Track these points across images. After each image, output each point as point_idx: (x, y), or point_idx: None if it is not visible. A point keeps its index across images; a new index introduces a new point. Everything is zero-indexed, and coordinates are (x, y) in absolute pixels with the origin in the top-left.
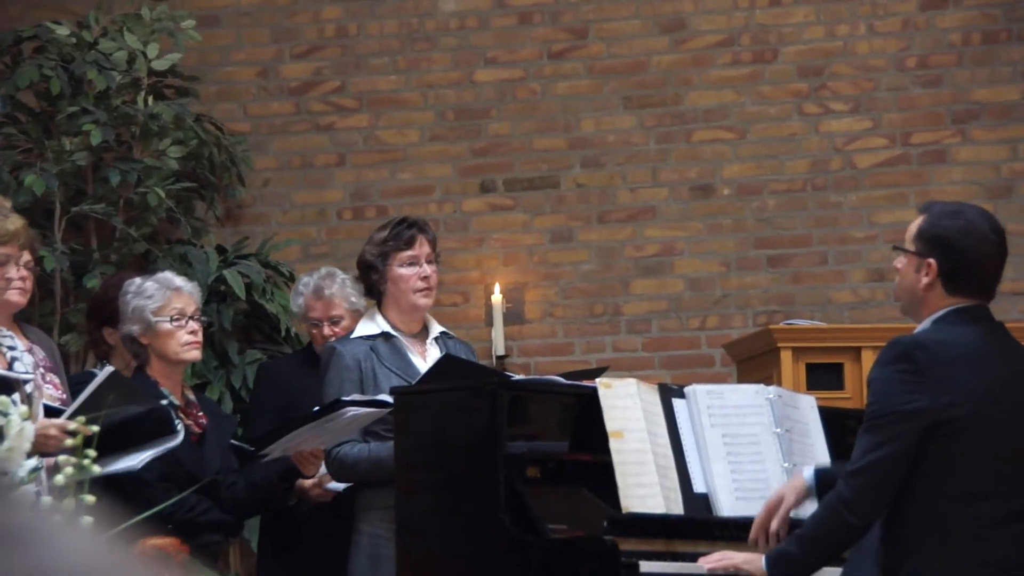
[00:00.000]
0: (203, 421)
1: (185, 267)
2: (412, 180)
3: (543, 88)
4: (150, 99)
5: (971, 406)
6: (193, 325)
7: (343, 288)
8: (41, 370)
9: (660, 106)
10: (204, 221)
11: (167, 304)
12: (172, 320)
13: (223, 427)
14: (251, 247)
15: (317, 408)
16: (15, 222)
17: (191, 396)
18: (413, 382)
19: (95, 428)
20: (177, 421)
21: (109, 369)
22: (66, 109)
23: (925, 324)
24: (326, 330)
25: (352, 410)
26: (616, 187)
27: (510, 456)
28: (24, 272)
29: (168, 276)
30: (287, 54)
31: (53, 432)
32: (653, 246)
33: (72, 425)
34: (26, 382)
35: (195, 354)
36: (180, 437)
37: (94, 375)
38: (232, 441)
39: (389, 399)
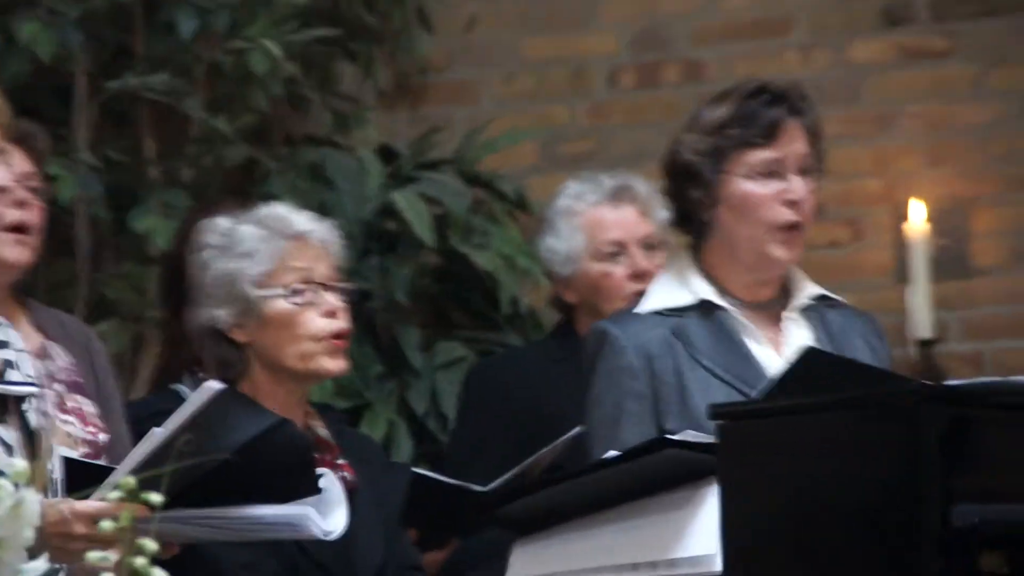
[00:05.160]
0: (348, 476)
1: (320, 187)
2: (747, 6)
3: None
4: None
5: None
6: (331, 301)
7: (653, 198)
8: (60, 386)
9: None
10: (357, 101)
11: (282, 264)
12: (296, 293)
13: (386, 485)
14: (445, 148)
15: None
16: None
17: (322, 431)
18: (753, 393)
19: (157, 498)
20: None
21: (214, 386)
22: None
23: None
24: (641, 261)
25: None
26: None
27: (952, 530)
28: (22, 193)
29: (282, 213)
30: None
31: (78, 531)
32: None
33: (107, 505)
34: (23, 399)
35: (338, 364)
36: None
37: (178, 397)
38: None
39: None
